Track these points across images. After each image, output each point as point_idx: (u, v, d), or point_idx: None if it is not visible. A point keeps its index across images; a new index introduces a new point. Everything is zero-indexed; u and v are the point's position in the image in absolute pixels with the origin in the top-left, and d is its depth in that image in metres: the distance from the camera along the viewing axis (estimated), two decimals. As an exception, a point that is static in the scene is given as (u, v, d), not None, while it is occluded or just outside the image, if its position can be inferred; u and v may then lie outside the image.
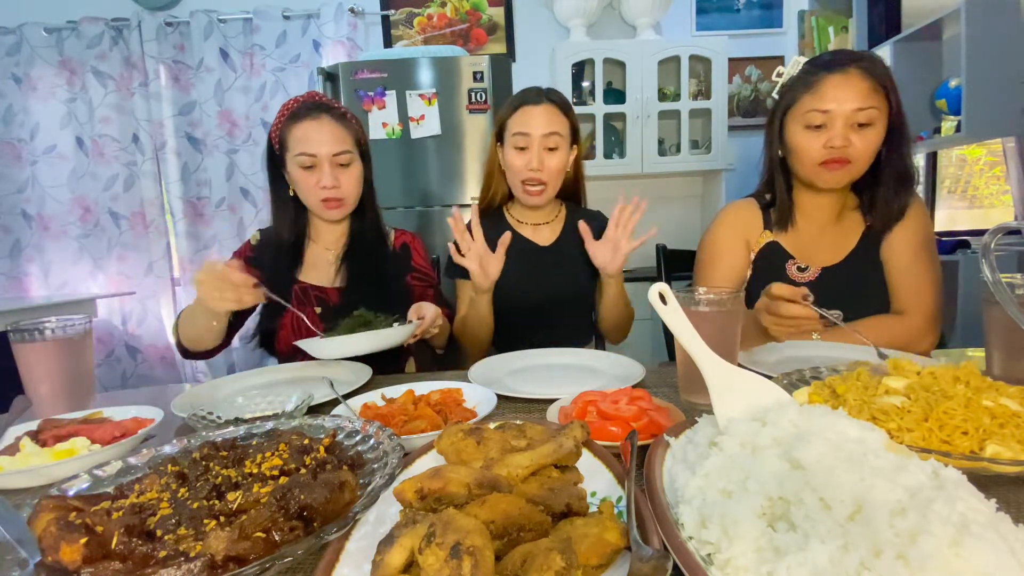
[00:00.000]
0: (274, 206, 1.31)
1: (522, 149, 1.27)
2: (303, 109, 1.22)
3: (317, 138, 1.19)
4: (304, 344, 1.00)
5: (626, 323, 1.36)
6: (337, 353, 1.01)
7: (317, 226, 1.33)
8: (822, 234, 1.21)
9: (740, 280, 1.24)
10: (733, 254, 1.24)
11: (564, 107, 1.29)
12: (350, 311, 1.14)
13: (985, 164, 2.86)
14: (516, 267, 1.29)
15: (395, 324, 1.07)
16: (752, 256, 1.23)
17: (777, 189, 1.20)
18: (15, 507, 0.50)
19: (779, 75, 1.17)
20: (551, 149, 1.27)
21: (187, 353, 1.22)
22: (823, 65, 1.08)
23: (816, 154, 1.09)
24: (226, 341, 1.25)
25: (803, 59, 1.14)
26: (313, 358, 1.06)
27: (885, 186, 1.13)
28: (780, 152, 1.18)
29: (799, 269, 1.19)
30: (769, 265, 1.21)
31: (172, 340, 1.23)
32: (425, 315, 1.10)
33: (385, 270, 1.31)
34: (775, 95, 1.18)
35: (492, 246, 1.35)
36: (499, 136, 1.34)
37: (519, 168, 1.27)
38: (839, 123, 1.06)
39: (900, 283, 1.14)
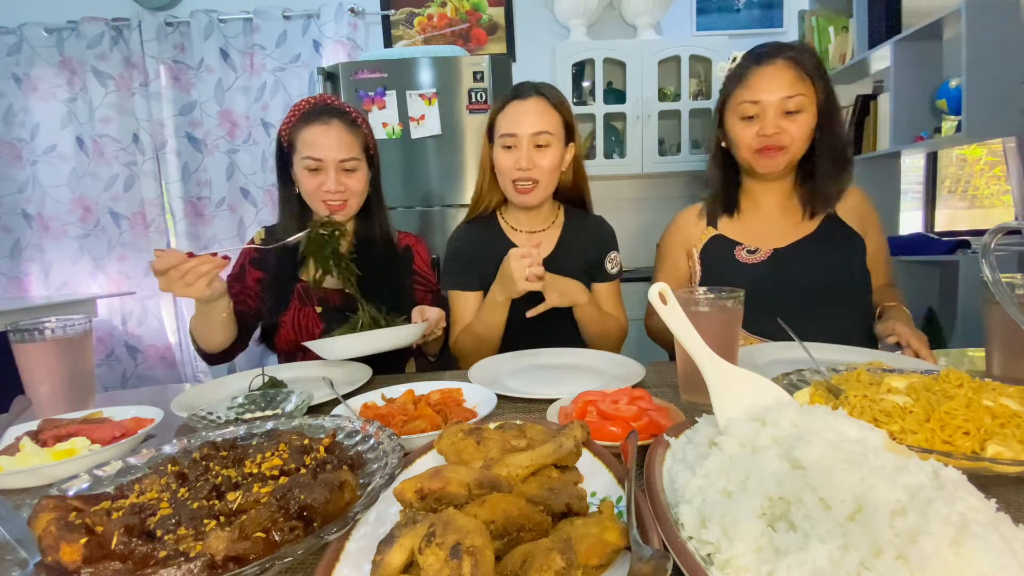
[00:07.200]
0: (281, 203, 1.31)
1: (510, 148, 1.21)
2: (314, 112, 1.21)
3: (325, 143, 1.18)
4: (313, 345, 0.99)
5: (607, 341, 1.28)
6: (345, 353, 0.99)
7: None
8: (772, 218, 1.25)
9: (683, 279, 1.33)
10: (673, 257, 1.34)
11: (556, 102, 1.22)
12: (352, 311, 1.13)
13: (985, 164, 2.86)
14: None
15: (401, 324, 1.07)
16: (696, 254, 1.29)
17: (715, 179, 1.28)
18: (15, 507, 0.50)
19: (722, 71, 1.23)
20: (541, 146, 1.20)
21: (207, 357, 1.23)
22: (753, 59, 1.15)
23: (751, 142, 1.15)
24: (241, 342, 1.26)
25: (740, 54, 1.21)
26: (320, 358, 1.04)
27: (821, 168, 1.17)
28: (724, 144, 1.24)
29: (748, 252, 1.23)
30: (717, 255, 1.26)
31: (193, 348, 1.26)
32: (429, 316, 1.11)
33: (388, 273, 1.30)
34: (720, 91, 1.24)
35: (482, 253, 1.29)
36: (490, 135, 1.27)
37: (508, 167, 1.21)
38: (770, 112, 1.12)
39: (878, 263, 1.23)
